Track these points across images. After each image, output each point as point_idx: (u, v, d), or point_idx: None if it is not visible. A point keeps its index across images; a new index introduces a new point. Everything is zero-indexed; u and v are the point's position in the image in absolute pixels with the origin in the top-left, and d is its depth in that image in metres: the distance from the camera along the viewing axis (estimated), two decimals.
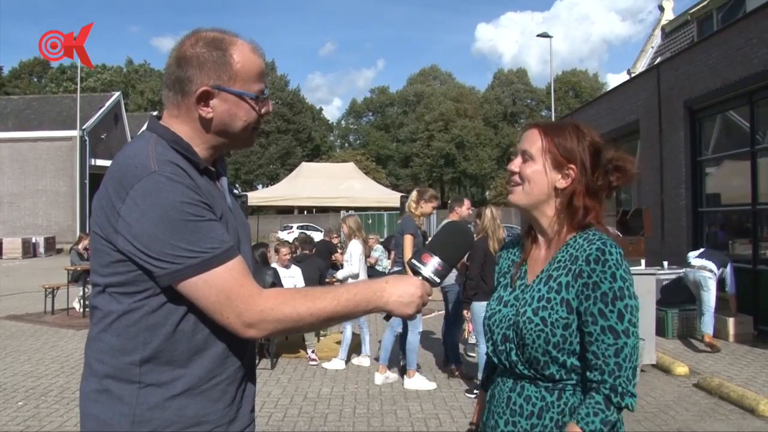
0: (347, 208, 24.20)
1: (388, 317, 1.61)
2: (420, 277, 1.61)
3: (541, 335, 1.64)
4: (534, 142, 1.76)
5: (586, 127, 1.81)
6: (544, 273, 1.74)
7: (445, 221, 4.82)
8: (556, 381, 1.67)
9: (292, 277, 7.88)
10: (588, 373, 1.63)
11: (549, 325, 1.64)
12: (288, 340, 8.48)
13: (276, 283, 7.27)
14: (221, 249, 1.43)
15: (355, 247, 7.55)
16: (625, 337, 1.60)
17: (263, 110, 1.62)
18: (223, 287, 1.42)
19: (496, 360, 1.79)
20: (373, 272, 10.72)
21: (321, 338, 9.02)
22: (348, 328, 7.55)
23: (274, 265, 7.92)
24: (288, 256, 8.03)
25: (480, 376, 5.98)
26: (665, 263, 9.91)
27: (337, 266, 10.59)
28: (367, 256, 7.72)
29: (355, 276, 7.33)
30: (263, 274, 7.28)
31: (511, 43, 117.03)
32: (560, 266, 1.71)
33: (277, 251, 8.07)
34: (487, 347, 1.82)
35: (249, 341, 1.59)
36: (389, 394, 6.36)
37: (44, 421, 5.42)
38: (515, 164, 1.79)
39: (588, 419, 1.58)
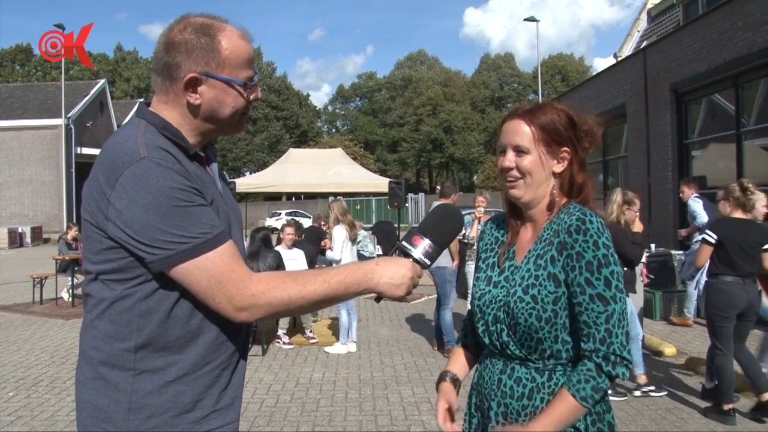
0: (335, 194, 24.13)
1: (378, 299, 1.62)
2: (411, 259, 1.62)
3: (533, 313, 1.66)
4: (524, 133, 1.74)
5: (559, 104, 1.82)
6: (532, 253, 1.75)
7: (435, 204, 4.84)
8: (547, 360, 1.69)
9: (295, 259, 7.92)
10: (582, 344, 1.65)
11: (539, 302, 1.66)
12: (278, 326, 8.49)
13: (280, 266, 7.32)
14: (212, 234, 1.44)
15: (337, 232, 7.59)
16: (613, 303, 1.61)
17: (252, 96, 1.61)
18: (215, 272, 1.43)
19: (486, 341, 1.80)
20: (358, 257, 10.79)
21: (312, 323, 9.04)
22: (343, 312, 7.58)
23: (277, 248, 7.99)
24: (292, 236, 8.15)
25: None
26: (652, 245, 10.00)
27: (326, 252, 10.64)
28: (353, 240, 7.75)
29: (337, 262, 7.36)
30: (266, 257, 7.32)
31: (499, 27, 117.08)
32: (545, 243, 1.73)
33: (282, 230, 8.24)
34: (477, 328, 1.83)
35: (242, 326, 1.60)
36: (381, 378, 6.41)
37: (35, 411, 5.42)
38: (509, 160, 1.75)
39: (579, 386, 1.60)
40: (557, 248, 1.68)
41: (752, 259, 5.06)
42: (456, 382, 1.93)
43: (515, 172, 1.75)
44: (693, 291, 7.61)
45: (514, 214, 1.87)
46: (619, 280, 1.64)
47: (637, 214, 5.85)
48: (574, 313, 1.66)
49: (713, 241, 5.03)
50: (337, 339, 7.75)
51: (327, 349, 7.60)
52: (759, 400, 5.08)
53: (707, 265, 5.17)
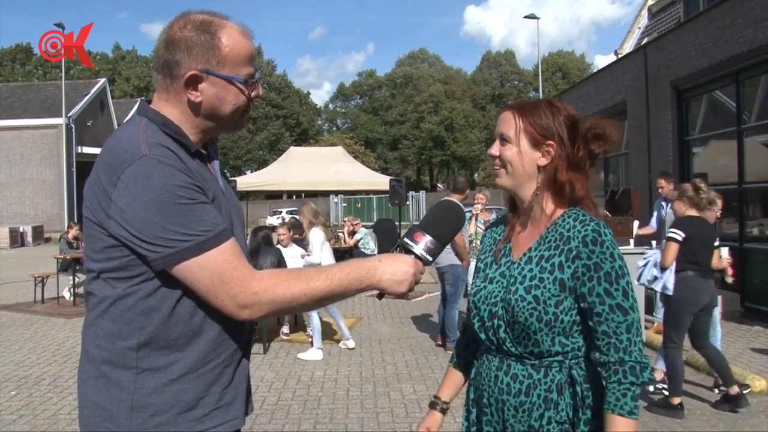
0: (336, 192, 24.15)
1: (380, 296, 1.62)
2: (412, 256, 1.62)
3: (534, 313, 1.66)
4: (510, 124, 1.77)
5: (560, 102, 1.82)
6: (534, 252, 1.74)
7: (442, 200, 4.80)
8: (543, 358, 1.69)
9: (293, 257, 7.92)
10: (601, 356, 1.64)
11: (542, 303, 1.66)
12: (279, 324, 8.51)
13: (281, 263, 7.33)
14: (214, 231, 1.43)
15: (315, 235, 7.52)
16: (632, 312, 1.63)
17: (253, 94, 1.61)
18: (217, 270, 1.42)
19: (483, 336, 1.80)
20: (359, 254, 10.78)
21: None
22: (314, 316, 7.26)
23: (277, 247, 8.02)
24: (285, 236, 8.17)
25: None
26: (653, 243, 9.97)
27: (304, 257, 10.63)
28: (330, 239, 7.69)
29: (317, 265, 7.21)
30: (267, 255, 7.33)
31: (500, 25, 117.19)
32: (550, 246, 1.72)
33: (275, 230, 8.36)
34: (473, 323, 1.83)
35: (245, 323, 1.59)
36: (382, 376, 6.41)
37: (38, 410, 5.43)
38: (495, 148, 1.80)
39: (620, 403, 1.59)
40: (567, 255, 1.67)
41: (710, 255, 5.22)
42: (445, 412, 2.04)
43: (498, 161, 1.79)
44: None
45: (513, 209, 1.88)
46: (633, 290, 1.66)
47: (718, 214, 5.62)
48: (587, 323, 1.67)
49: (680, 238, 5.10)
50: (339, 337, 7.75)
51: (300, 355, 7.21)
52: (728, 392, 5.17)
53: (674, 265, 5.21)
